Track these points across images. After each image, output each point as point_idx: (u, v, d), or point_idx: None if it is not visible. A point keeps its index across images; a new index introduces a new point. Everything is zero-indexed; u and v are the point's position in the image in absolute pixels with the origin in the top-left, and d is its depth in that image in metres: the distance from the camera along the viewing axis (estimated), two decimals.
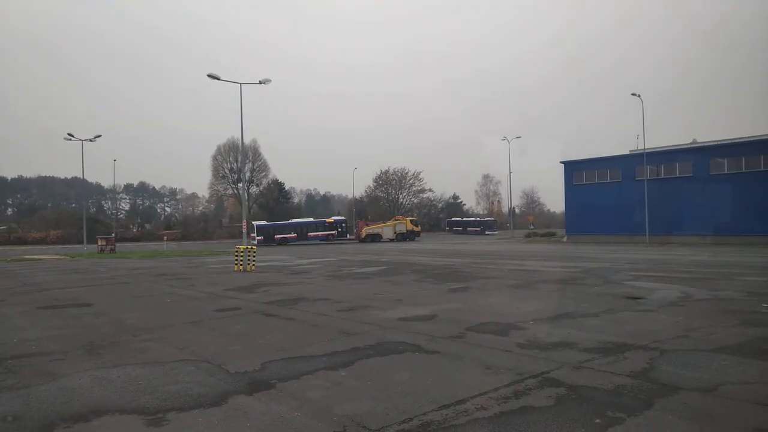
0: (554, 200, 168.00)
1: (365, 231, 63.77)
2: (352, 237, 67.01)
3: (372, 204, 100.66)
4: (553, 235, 58.88)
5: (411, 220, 68.15)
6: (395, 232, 65.33)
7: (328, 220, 65.31)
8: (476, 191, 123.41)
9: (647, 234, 41.00)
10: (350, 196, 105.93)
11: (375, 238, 63.35)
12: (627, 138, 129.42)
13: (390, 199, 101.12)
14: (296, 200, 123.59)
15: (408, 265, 24.38)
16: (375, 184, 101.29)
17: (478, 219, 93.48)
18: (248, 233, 61.18)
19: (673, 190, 42.18)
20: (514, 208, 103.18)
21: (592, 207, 47.20)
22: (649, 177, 42.55)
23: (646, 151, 42.93)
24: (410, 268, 22.06)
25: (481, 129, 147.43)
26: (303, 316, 10.46)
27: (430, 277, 17.94)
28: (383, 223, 68.38)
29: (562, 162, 50.93)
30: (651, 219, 41.06)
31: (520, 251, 35.35)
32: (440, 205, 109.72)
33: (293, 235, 60.49)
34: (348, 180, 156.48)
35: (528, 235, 56.99)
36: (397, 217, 73.11)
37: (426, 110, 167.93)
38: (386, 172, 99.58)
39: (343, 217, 68.98)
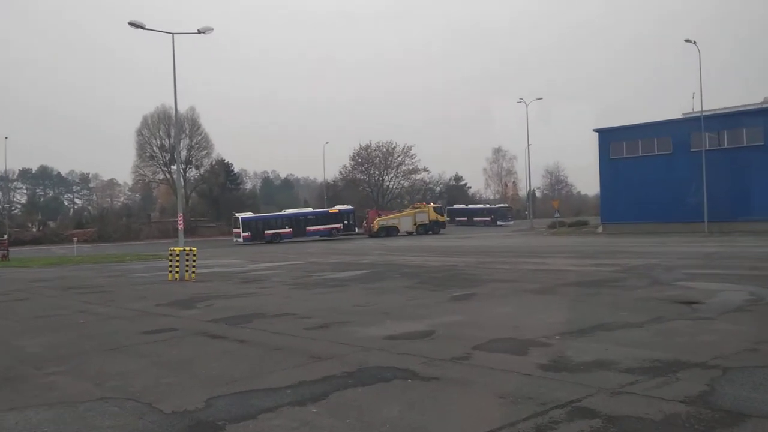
0: (586, 180, 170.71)
1: (378, 223, 64.60)
2: (361, 231, 68.20)
3: (349, 189, 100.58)
4: (584, 224, 59.49)
5: (434, 208, 69.35)
6: (415, 223, 66.22)
7: (331, 210, 66.92)
8: (485, 170, 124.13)
9: (706, 220, 41.56)
10: (320, 179, 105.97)
11: (390, 231, 64.36)
12: (678, 102, 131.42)
13: (372, 183, 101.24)
14: (249, 185, 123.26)
15: (396, 267, 24.44)
16: (353, 163, 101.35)
17: (487, 206, 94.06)
18: (234, 227, 62.68)
19: (740, 164, 42.65)
20: (533, 190, 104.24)
21: (634, 187, 47.62)
22: (708, 147, 43.04)
23: (705, 113, 43.32)
24: (399, 272, 22.12)
25: (493, 95, 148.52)
26: (260, 337, 10.45)
27: (426, 283, 17.99)
28: (399, 212, 69.23)
29: (596, 130, 51.36)
30: (711, 201, 41.56)
31: (542, 246, 35.62)
32: (438, 188, 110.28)
33: (288, 230, 62.67)
34: (317, 161, 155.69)
35: (552, 225, 57.43)
36: (417, 204, 73.92)
37: (421, 75, 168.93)
38: (367, 147, 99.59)
39: (350, 207, 70.25)
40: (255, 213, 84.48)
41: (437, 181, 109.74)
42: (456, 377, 7.26)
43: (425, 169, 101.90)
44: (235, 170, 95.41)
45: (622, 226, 48.28)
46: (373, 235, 64.08)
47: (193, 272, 22.15)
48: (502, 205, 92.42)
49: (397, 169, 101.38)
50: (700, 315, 10.71)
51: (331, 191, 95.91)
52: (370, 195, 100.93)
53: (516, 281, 17.30)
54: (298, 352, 9.05)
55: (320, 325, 11.24)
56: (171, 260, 22.48)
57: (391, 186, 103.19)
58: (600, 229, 50.85)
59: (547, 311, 11.78)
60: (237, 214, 64.51)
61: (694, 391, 6.29)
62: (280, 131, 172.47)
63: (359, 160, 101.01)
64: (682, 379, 6.73)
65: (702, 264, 20.59)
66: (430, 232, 65.57)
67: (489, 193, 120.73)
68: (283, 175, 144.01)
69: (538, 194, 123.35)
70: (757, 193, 41.75)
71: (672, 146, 46.60)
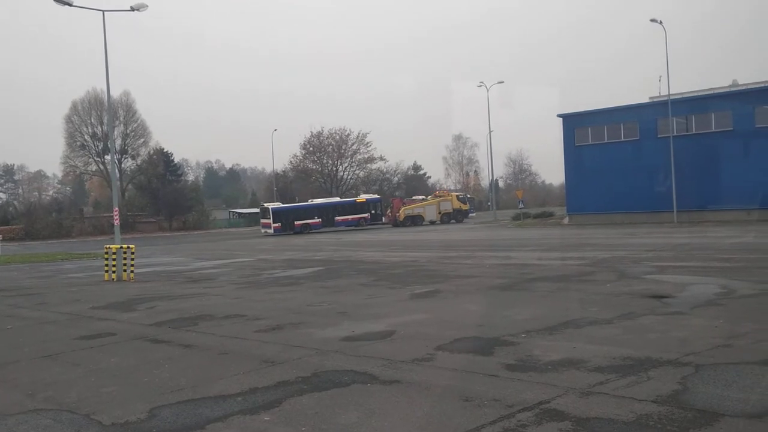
0: (550, 169, 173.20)
1: (404, 212, 66.90)
2: (385, 221, 70.10)
3: (300, 180, 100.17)
4: (549, 215, 60.29)
5: (458, 197, 71.66)
6: (439, 212, 68.48)
7: (358, 199, 70.40)
8: (445, 158, 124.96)
9: (675, 210, 42.34)
10: (269, 169, 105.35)
11: (416, 220, 66.88)
12: (645, 84, 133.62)
13: (325, 173, 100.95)
14: (191, 177, 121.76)
15: (353, 263, 24.46)
16: (304, 152, 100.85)
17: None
18: (262, 217, 65.99)
19: (709, 150, 43.41)
20: (496, 180, 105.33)
21: (600, 176, 48.21)
22: (676, 133, 43.84)
23: (672, 97, 44.16)
24: (356, 268, 22.15)
25: (452, 78, 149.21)
26: (207, 340, 10.38)
27: (385, 279, 18.06)
28: (423, 201, 71.02)
29: (560, 115, 51.87)
30: (679, 190, 42.32)
31: (507, 239, 36.01)
32: (396, 178, 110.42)
33: (317, 220, 65.45)
34: (265, 152, 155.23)
35: (516, 217, 58.07)
36: (439, 192, 75.64)
37: (376, 57, 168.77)
38: (319, 135, 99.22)
39: (377, 196, 73.60)
40: (198, 206, 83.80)
41: (395, 171, 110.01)
42: (418, 380, 7.31)
43: (382, 158, 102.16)
44: (176, 160, 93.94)
45: (589, 217, 48.93)
46: (398, 224, 66.24)
47: (132, 272, 21.81)
48: (462, 195, 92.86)
49: (351, 158, 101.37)
50: (671, 310, 10.97)
51: (280, 182, 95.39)
52: (322, 186, 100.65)
53: (480, 277, 17.48)
54: (248, 356, 9.01)
55: (272, 326, 11.21)
56: (107, 259, 22.09)
57: (345, 176, 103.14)
58: (566, 221, 51.48)
59: (513, 308, 11.93)
60: (266, 204, 67.51)
61: (666, 389, 6.44)
62: (226, 119, 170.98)
63: (311, 148, 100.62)
64: (653, 377, 6.89)
65: (672, 256, 21.09)
66: (453, 221, 67.50)
67: (449, 183, 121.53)
68: (228, 166, 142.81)
69: (501, 184, 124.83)
70: (726, 181, 42.32)
71: (639, 132, 47.15)
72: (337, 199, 74.85)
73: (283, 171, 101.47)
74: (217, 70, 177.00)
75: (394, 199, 75.30)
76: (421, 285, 16.24)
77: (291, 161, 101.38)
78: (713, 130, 43.98)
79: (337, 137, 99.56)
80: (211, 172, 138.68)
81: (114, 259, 21.92)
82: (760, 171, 41.13)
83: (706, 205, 42.56)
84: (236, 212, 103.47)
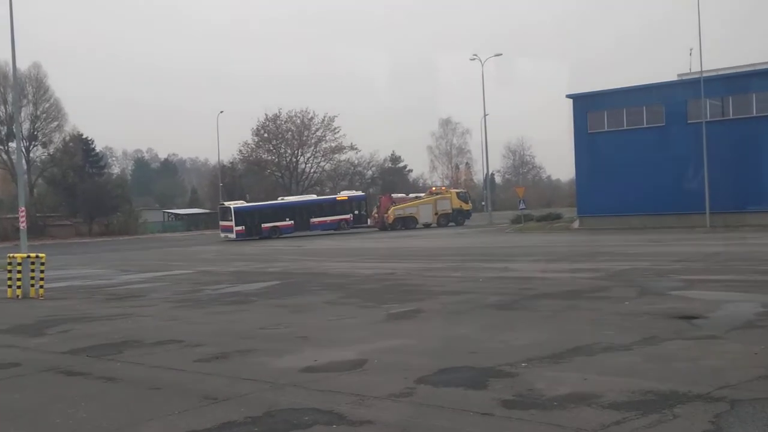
0: (558, 161, 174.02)
1: (394, 212, 67.11)
2: (371, 223, 70.86)
3: (252, 173, 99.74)
4: (557, 218, 60.52)
5: (459, 194, 72.16)
6: (436, 213, 68.79)
7: (339, 197, 71.70)
8: (430, 148, 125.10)
9: (707, 212, 42.47)
10: (213, 160, 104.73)
11: (408, 222, 67.48)
12: (672, 62, 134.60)
13: (283, 165, 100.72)
14: (116, 169, 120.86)
15: (316, 275, 24.42)
16: (257, 139, 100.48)
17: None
18: (222, 219, 66.42)
19: (749, 139, 43.51)
20: (492, 174, 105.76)
21: (618, 170, 48.24)
22: (709, 118, 44.02)
23: (705, 75, 44.37)
24: (320, 282, 22.10)
25: (440, 51, 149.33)
26: (134, 372, 10.29)
27: (355, 296, 18.04)
28: (416, 199, 71.45)
29: (569, 96, 52.07)
30: (713, 187, 42.36)
31: (505, 246, 36.13)
32: (370, 172, 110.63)
33: (289, 222, 66.70)
34: (208, 139, 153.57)
35: (516, 220, 58.29)
36: (434, 189, 75.98)
37: (345, 27, 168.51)
38: (276, 118, 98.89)
39: (361, 193, 75.89)
40: (125, 205, 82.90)
41: (368, 163, 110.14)
42: (395, 420, 7.29)
43: (353, 147, 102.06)
44: (97, 149, 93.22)
45: (604, 220, 48.93)
46: (386, 227, 66.88)
47: (42, 287, 21.55)
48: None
49: (315, 147, 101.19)
50: (701, 333, 11.07)
51: (227, 176, 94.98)
52: (279, 181, 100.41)
53: (472, 293, 17.53)
54: (186, 391, 8.95)
55: (216, 354, 11.14)
56: (10, 271, 21.81)
57: (308, 169, 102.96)
58: (576, 224, 51.71)
59: (512, 331, 11.98)
60: (227, 204, 68.04)
61: (695, 430, 6.49)
62: (160, 100, 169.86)
63: (265, 134, 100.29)
64: (680, 415, 6.93)
65: (703, 268, 21.28)
66: (452, 224, 67.98)
67: (435, 178, 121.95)
68: (163, 156, 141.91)
69: (498, 179, 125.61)
70: None
71: (665, 117, 47.17)
72: (313, 196, 75.58)
73: (231, 162, 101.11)
74: (151, 41, 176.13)
75: (381, 196, 75.44)
76: (400, 303, 16.23)
77: (241, 150, 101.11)
78: (755, 114, 44.00)
79: (298, 121, 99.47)
80: (141, 164, 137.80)
81: (19, 271, 21.66)
82: None
83: (746, 206, 42.56)
84: (172, 213, 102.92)
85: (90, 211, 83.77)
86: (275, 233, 65.09)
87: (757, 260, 22.71)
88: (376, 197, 77.13)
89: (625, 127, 49.05)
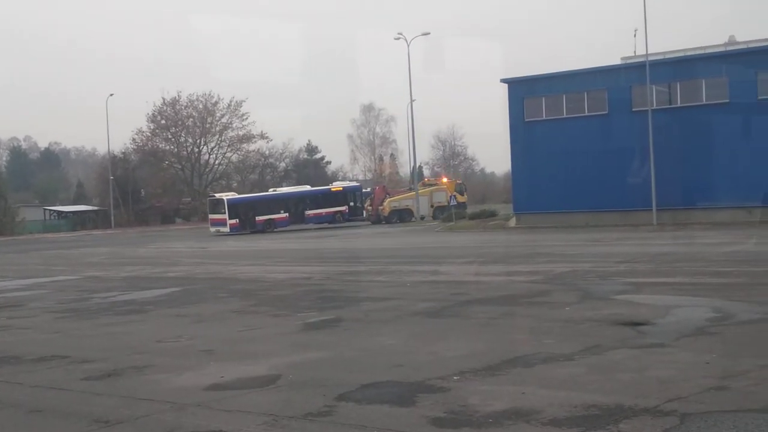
0: (493, 153, 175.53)
1: (389, 205, 68.89)
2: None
3: (148, 165, 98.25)
4: (491, 215, 61.18)
5: (456, 185, 74.38)
6: (432, 205, 70.61)
7: (333, 188, 74.64)
8: (351, 137, 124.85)
9: (654, 208, 43.07)
10: (101, 150, 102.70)
11: (404, 215, 69.70)
12: (616, 40, 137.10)
13: (184, 155, 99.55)
14: None
15: (222, 281, 24.21)
16: (153, 126, 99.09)
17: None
18: (213, 212, 68.46)
19: (698, 129, 44.21)
20: (420, 166, 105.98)
21: (558, 162, 48.64)
22: (656, 105, 44.71)
23: (651, 58, 45.07)
24: (226, 288, 21.92)
25: (362, 30, 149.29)
26: (12, 393, 10.09)
27: (267, 304, 17.95)
28: (409, 190, 73.82)
29: (504, 81, 52.44)
30: (660, 181, 42.94)
31: (434, 247, 36.32)
32: (283, 164, 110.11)
33: (283, 215, 68.95)
34: (96, 126, 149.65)
35: (447, 218, 58.70)
36: (429, 180, 78.67)
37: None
38: (174, 102, 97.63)
39: (357, 184, 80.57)
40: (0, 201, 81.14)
41: (281, 154, 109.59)
42: None
43: (263, 136, 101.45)
44: None
45: (543, 217, 49.14)
46: (379, 220, 68.67)
47: None
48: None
49: (221, 136, 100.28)
50: (649, 341, 11.28)
51: (119, 168, 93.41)
52: (179, 174, 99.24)
53: (398, 299, 17.55)
54: (72, 414, 8.78)
55: (107, 372, 10.93)
56: None
57: (212, 160, 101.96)
58: (513, 222, 52.16)
59: (443, 341, 12.04)
60: (219, 196, 70.63)
61: None
62: (39, 81, 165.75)
63: (162, 121, 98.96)
64: (626, 431, 7.05)
65: (650, 269, 21.73)
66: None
67: (357, 171, 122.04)
68: (43, 145, 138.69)
69: (426, 172, 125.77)
70: (721, 170, 42.90)
71: (608, 104, 47.49)
72: (308, 187, 77.56)
73: (124, 153, 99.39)
74: (26, 12, 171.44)
75: (376, 187, 78.12)
76: (317, 311, 16.20)
77: (134, 139, 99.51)
78: (704, 102, 44.53)
79: (200, 106, 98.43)
80: (18, 154, 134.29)
81: None
82: (765, 157, 41.48)
83: (695, 202, 43.30)
84: (55, 211, 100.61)
85: None
86: (270, 226, 67.14)
87: (708, 261, 23.24)
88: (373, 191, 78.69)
89: (564, 116, 49.24)
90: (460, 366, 10.01)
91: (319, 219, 69.86)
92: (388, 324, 14.21)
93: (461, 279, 21.54)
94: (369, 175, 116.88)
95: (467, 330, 13.09)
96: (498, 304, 15.87)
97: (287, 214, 68.97)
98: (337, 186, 75.12)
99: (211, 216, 69.36)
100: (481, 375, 9.55)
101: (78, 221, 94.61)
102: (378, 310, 15.99)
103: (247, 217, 67.33)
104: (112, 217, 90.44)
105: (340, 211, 70.38)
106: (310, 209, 70.20)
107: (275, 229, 66.99)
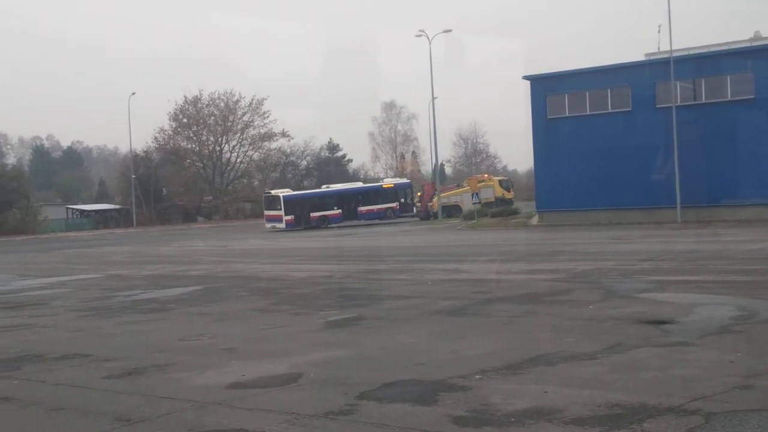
0: (516, 150, 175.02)
1: (437, 201, 70.02)
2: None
3: (170, 164, 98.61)
4: (513, 213, 61.01)
5: (501, 182, 75.45)
6: (479, 201, 69.04)
7: (385, 184, 77.36)
8: (372, 135, 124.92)
9: (678, 206, 42.92)
10: (124, 149, 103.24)
11: (452, 211, 70.09)
12: (640, 36, 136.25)
13: (205, 154, 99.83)
14: (11, 159, 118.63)
15: (243, 279, 24.25)
16: (175, 125, 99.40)
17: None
18: (268, 208, 70.75)
19: (723, 126, 44.02)
20: (441, 164, 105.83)
21: (581, 160, 48.36)
22: (680, 102, 44.52)
23: (676, 54, 44.84)
24: (248, 287, 21.96)
25: (383, 28, 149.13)
26: (34, 391, 10.13)
27: (288, 303, 17.98)
28: (457, 187, 75.63)
29: (527, 78, 52.27)
30: (685, 178, 42.72)
31: (456, 245, 36.24)
32: (304, 162, 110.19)
33: (337, 211, 71.52)
34: (118, 125, 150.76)
35: (469, 215, 58.61)
36: (474, 177, 78.42)
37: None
38: (196, 101, 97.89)
39: (406, 180, 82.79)
40: (22, 201, 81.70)
41: (302, 152, 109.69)
42: None
43: (284, 134, 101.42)
44: None
45: (565, 215, 48.98)
46: (428, 216, 69.88)
47: None
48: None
49: (242, 134, 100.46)
50: (672, 339, 11.23)
51: (141, 167, 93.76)
52: (201, 172, 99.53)
53: (419, 297, 17.56)
54: (94, 412, 8.82)
55: (129, 370, 10.99)
56: None
57: (233, 159, 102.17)
58: (535, 220, 51.95)
59: (464, 340, 12.03)
60: (275, 192, 73.61)
61: None
62: (63, 80, 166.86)
63: (184, 119, 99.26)
64: (650, 430, 7.03)
65: (674, 268, 21.60)
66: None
67: (378, 169, 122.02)
68: (65, 144, 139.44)
69: (448, 170, 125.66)
70: (746, 167, 42.80)
71: (631, 101, 47.22)
72: (359, 184, 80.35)
73: (146, 151, 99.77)
74: (51, 15, 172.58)
75: (425, 185, 79.33)
76: (339, 310, 16.22)
77: (156, 137, 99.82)
78: (729, 98, 44.33)
79: (222, 105, 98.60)
80: (40, 153, 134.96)
81: None
82: None
83: (720, 200, 43.06)
84: (78, 209, 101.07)
85: None
86: (324, 222, 69.49)
87: (732, 259, 23.09)
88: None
89: (588, 113, 49.03)
90: (482, 365, 10.00)
91: (370, 215, 71.59)
92: (410, 322, 14.21)
93: (483, 277, 21.50)
94: (390, 173, 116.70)
95: (489, 328, 13.09)
96: (520, 302, 15.84)
97: (340, 210, 70.90)
98: (388, 183, 77.46)
99: (267, 212, 71.15)
100: (503, 374, 9.54)
101: (100, 220, 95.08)
102: (399, 308, 15.99)
103: (302, 214, 69.08)
104: (134, 216, 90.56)
105: (391, 208, 72.43)
106: (362, 206, 71.92)
107: (329, 225, 68.61)
